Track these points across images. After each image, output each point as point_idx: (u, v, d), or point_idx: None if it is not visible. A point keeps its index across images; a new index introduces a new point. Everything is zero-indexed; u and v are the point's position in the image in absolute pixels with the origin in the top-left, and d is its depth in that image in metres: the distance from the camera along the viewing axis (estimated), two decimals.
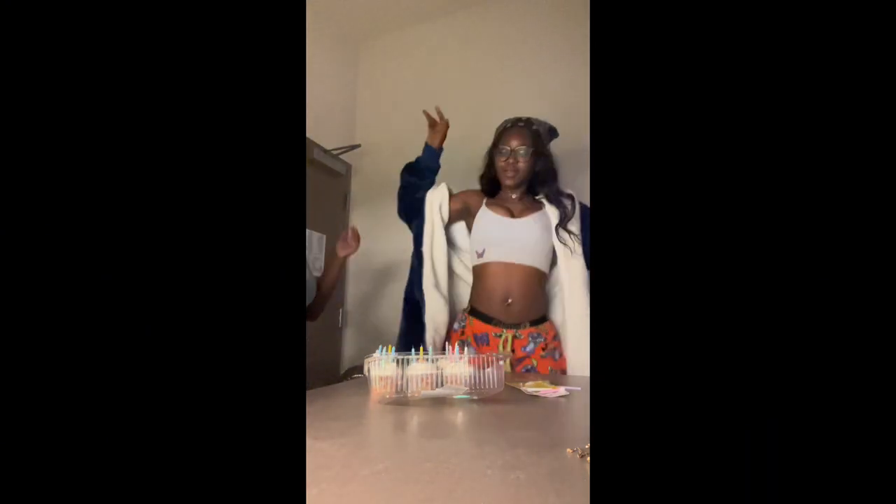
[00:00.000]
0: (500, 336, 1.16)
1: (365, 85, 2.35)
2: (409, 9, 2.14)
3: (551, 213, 1.22)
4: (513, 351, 1.16)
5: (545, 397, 0.76)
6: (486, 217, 1.24)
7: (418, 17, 2.19)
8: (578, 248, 1.18)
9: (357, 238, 1.23)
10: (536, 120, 1.25)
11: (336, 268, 1.26)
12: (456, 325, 1.23)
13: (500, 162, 1.22)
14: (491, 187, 1.30)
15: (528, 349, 1.16)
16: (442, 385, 0.74)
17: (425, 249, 1.24)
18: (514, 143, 1.21)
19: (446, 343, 1.20)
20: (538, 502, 0.34)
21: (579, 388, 0.80)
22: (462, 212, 1.29)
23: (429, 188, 1.27)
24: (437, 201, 1.25)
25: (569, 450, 0.45)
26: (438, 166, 1.29)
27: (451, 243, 1.31)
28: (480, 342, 1.17)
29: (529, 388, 0.79)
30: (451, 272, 1.30)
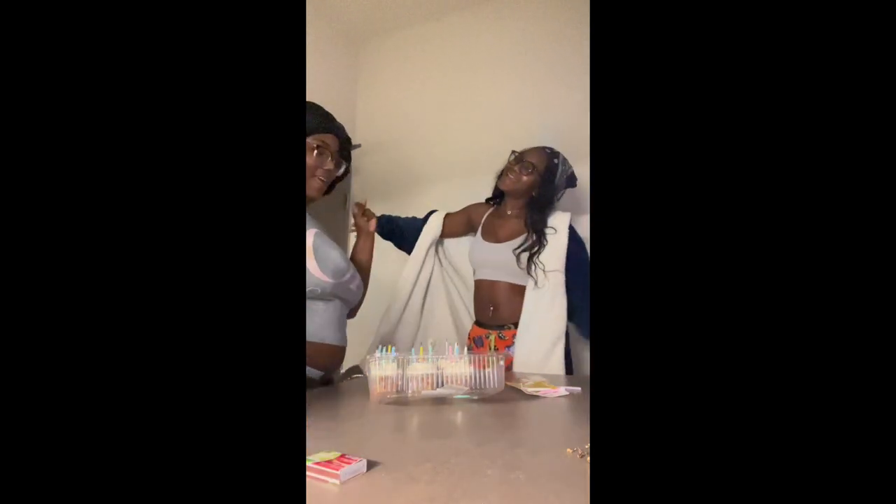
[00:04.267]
0: (489, 337, 1.33)
1: (365, 85, 2.35)
2: (409, 9, 2.13)
3: (528, 240, 1.31)
4: (496, 349, 1.28)
5: (545, 397, 0.76)
6: (476, 243, 1.41)
7: (418, 17, 2.18)
8: (543, 280, 1.25)
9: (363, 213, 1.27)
10: (563, 157, 1.33)
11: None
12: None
13: (510, 165, 1.33)
14: (501, 192, 1.42)
15: (512, 349, 1.26)
16: (442, 385, 0.74)
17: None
18: (529, 159, 1.31)
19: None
20: (538, 502, 0.34)
21: (579, 389, 0.80)
22: (466, 225, 1.46)
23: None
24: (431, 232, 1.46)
25: (569, 450, 0.45)
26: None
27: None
28: (477, 344, 1.34)
29: (529, 388, 0.79)
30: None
